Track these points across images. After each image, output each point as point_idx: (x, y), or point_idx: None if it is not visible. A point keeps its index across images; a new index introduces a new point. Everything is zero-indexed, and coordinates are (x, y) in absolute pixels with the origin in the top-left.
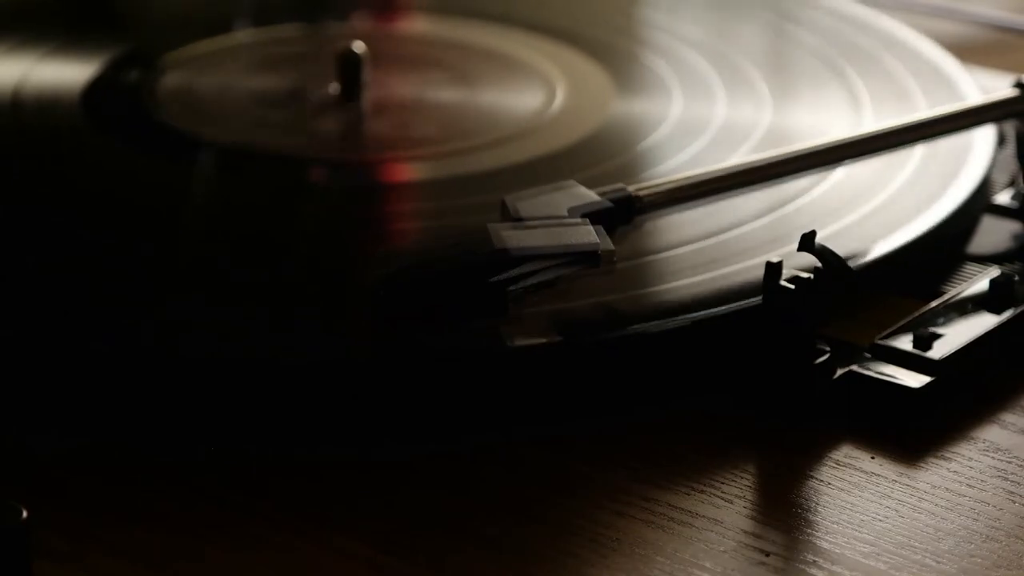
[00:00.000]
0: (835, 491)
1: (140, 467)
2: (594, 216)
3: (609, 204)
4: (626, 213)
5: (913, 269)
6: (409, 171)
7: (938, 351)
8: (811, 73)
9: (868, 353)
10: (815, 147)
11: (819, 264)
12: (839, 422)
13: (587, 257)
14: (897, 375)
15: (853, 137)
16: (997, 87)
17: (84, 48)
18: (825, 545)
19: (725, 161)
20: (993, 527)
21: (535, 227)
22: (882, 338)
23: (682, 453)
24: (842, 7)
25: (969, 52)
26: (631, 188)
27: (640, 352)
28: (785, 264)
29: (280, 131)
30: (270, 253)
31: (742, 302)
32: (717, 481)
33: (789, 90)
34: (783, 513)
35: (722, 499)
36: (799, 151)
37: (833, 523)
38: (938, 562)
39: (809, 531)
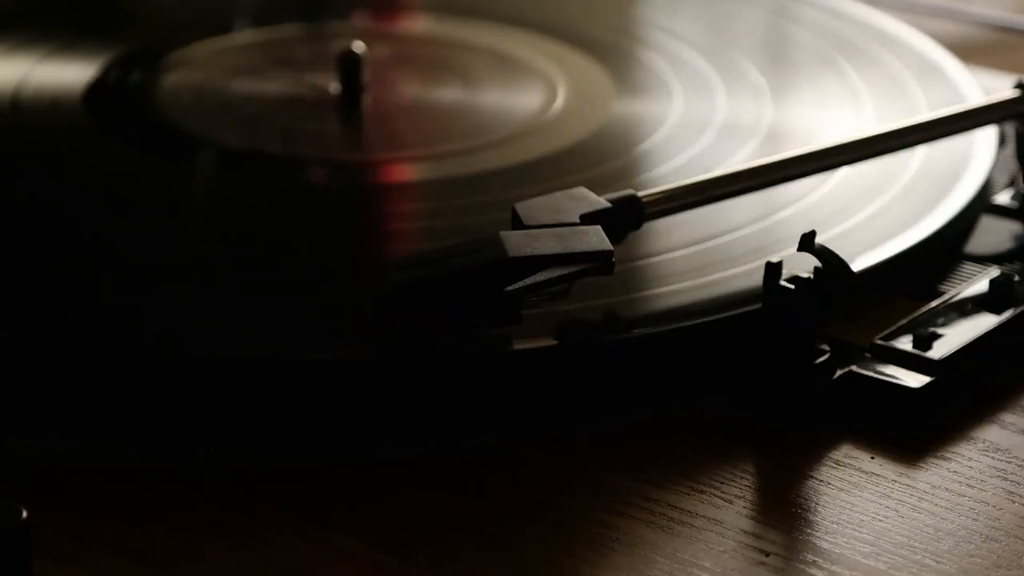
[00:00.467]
0: (835, 491)
1: (140, 467)
2: (604, 222)
3: (618, 209)
4: (635, 218)
5: (914, 269)
6: (409, 171)
7: (938, 351)
8: (812, 73)
9: (868, 353)
10: (818, 149)
11: (819, 264)
12: (839, 422)
13: (599, 261)
14: (897, 375)
15: (855, 139)
16: (998, 87)
17: (85, 48)
18: (825, 545)
19: (726, 161)
20: (993, 527)
21: (546, 234)
22: (882, 338)
23: (682, 453)
24: (843, 7)
25: (969, 52)
26: (640, 194)
27: (640, 354)
28: (785, 264)
29: (280, 131)
30: (270, 253)
31: (743, 308)
32: (717, 481)
33: (790, 90)
34: (783, 513)
35: (722, 499)
36: (803, 153)
37: (833, 523)
38: (938, 562)
39: (809, 531)
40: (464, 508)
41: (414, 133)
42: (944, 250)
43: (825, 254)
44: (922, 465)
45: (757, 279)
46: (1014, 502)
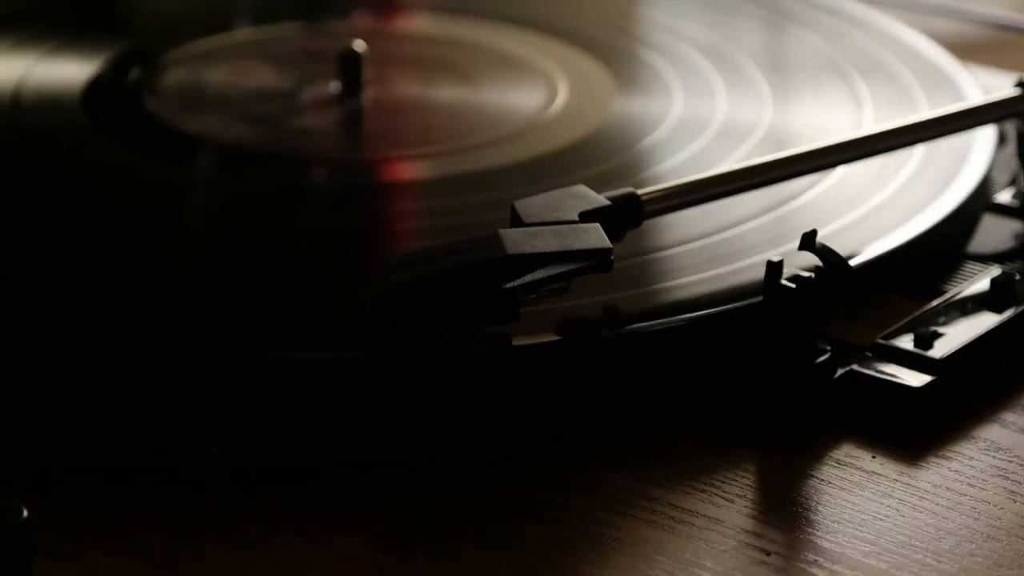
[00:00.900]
0: (836, 490)
1: (140, 467)
2: (603, 220)
3: (618, 207)
4: (635, 216)
5: (913, 269)
6: (410, 170)
7: (939, 350)
8: (812, 72)
9: (869, 352)
10: (818, 148)
11: (820, 263)
12: (839, 422)
13: (598, 259)
14: (898, 374)
15: (855, 138)
16: (998, 87)
17: (84, 47)
18: (826, 544)
19: (726, 160)
20: (994, 526)
21: (545, 231)
22: (883, 337)
23: (682, 453)
24: (843, 6)
25: (969, 52)
26: (639, 192)
27: (640, 352)
28: (786, 263)
29: (280, 130)
30: (270, 253)
31: (742, 302)
32: (717, 481)
33: (790, 89)
34: (784, 512)
35: (723, 499)
36: (803, 151)
37: (834, 522)
38: (939, 561)
39: (810, 530)
40: (464, 508)
41: (414, 132)
42: (945, 249)
43: (826, 253)
44: (923, 464)
45: (757, 275)
46: (1015, 501)
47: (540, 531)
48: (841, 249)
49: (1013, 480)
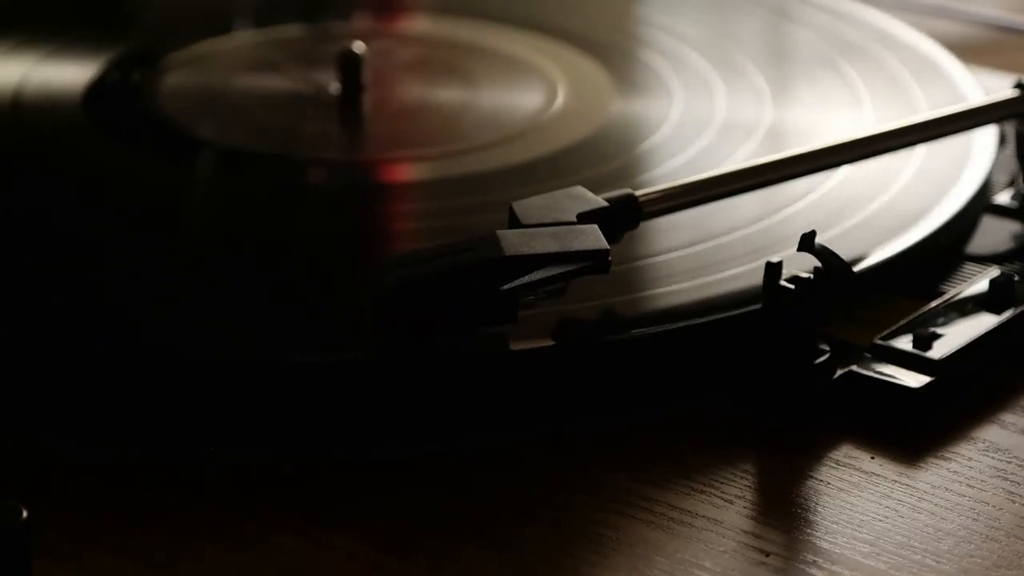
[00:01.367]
0: (835, 491)
1: (140, 467)
2: (601, 221)
3: (616, 209)
4: (633, 218)
5: (913, 269)
6: (409, 171)
7: (938, 351)
8: (812, 73)
9: (868, 353)
10: (818, 148)
11: (819, 264)
12: (839, 422)
13: (596, 260)
14: (897, 375)
15: (855, 138)
16: (997, 87)
17: (85, 48)
18: (825, 545)
19: (726, 161)
20: (993, 527)
21: (543, 232)
22: (882, 338)
23: (682, 453)
24: (843, 6)
25: (969, 52)
26: (637, 193)
27: (640, 354)
28: (785, 264)
29: (280, 131)
30: (270, 253)
31: (743, 309)
32: (717, 481)
33: (790, 90)
34: (783, 513)
35: (722, 499)
36: (802, 152)
37: (833, 523)
38: (938, 562)
39: (809, 531)
40: (464, 508)
41: (414, 133)
42: (944, 250)
43: (825, 254)
44: (922, 465)
45: (757, 279)
46: (1014, 502)
47: (540, 531)
48: (841, 251)
49: (1012, 481)
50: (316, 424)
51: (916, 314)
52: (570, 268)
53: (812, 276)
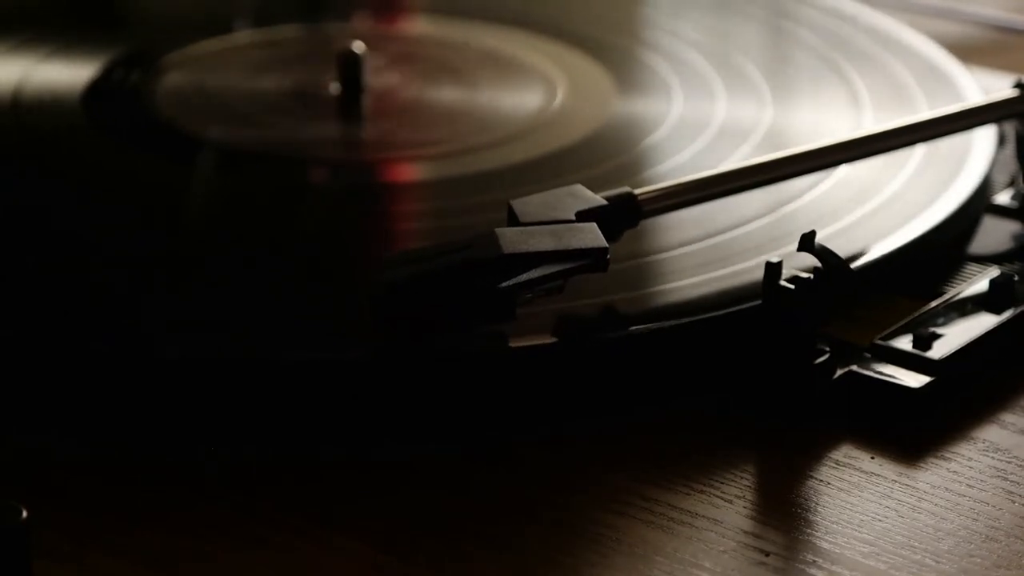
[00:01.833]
0: (835, 491)
1: (140, 467)
2: (600, 219)
3: (615, 207)
4: (632, 216)
5: (913, 269)
6: (409, 171)
7: (938, 351)
8: (811, 73)
9: (868, 353)
10: (817, 148)
11: (819, 264)
12: (839, 422)
13: (594, 259)
14: (897, 375)
15: (855, 138)
16: (997, 87)
17: (84, 49)
18: (825, 545)
19: (726, 161)
20: (993, 527)
21: (541, 231)
22: (882, 338)
23: (682, 453)
24: (842, 7)
25: (969, 52)
26: (636, 191)
27: (640, 352)
28: (785, 264)
29: (280, 131)
30: (270, 253)
31: (742, 305)
32: (717, 481)
33: (790, 90)
34: (783, 513)
35: (722, 499)
36: (801, 152)
37: (833, 523)
38: (938, 562)
39: (809, 531)
40: (464, 508)
41: (414, 133)
42: (944, 249)
43: (825, 254)
44: (922, 465)
45: (756, 276)
46: (1014, 502)
47: (540, 531)
48: (841, 250)
49: (1012, 481)
50: (316, 424)
51: (916, 314)
52: (568, 266)
53: (812, 276)
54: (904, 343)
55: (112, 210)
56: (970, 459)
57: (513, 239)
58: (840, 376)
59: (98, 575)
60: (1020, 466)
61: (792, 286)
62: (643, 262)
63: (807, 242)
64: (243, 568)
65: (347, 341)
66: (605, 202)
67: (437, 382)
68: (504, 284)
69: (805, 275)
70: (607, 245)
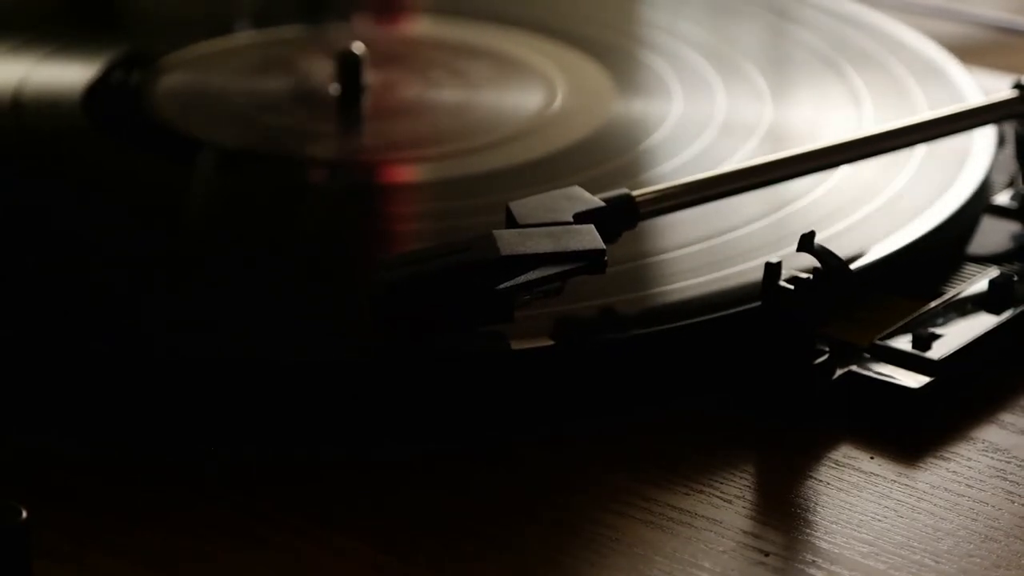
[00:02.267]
0: (834, 491)
1: (140, 467)
2: (598, 221)
3: (613, 209)
4: (630, 217)
5: (913, 269)
6: (409, 172)
7: (937, 351)
8: (811, 73)
9: (868, 353)
10: (817, 148)
11: (818, 265)
12: (839, 422)
13: (592, 260)
14: (896, 375)
15: (854, 138)
16: (997, 87)
17: (84, 49)
18: (824, 545)
19: (726, 161)
20: (992, 527)
21: (539, 232)
22: (881, 338)
23: (682, 453)
24: (842, 7)
25: (969, 52)
26: (635, 193)
27: (640, 354)
28: (785, 265)
29: (280, 132)
30: (270, 253)
31: (742, 307)
32: (717, 481)
33: (789, 90)
34: (782, 513)
35: (721, 499)
36: (801, 152)
37: (832, 523)
38: (937, 562)
39: (808, 531)
40: (464, 508)
41: (414, 134)
42: (944, 250)
43: (824, 254)
44: (921, 465)
45: (756, 277)
46: (1013, 502)
47: (540, 531)
48: (841, 251)
49: (1011, 481)
50: (316, 424)
51: (916, 314)
52: (566, 268)
53: (811, 277)
54: (904, 343)
55: (112, 210)
56: (969, 459)
57: (511, 241)
58: (840, 376)
59: (98, 575)
60: (1019, 466)
61: (792, 287)
62: (642, 263)
63: (806, 243)
64: (243, 568)
65: (347, 341)
66: (603, 204)
67: (437, 382)
68: (502, 286)
69: (805, 276)
70: (604, 247)
